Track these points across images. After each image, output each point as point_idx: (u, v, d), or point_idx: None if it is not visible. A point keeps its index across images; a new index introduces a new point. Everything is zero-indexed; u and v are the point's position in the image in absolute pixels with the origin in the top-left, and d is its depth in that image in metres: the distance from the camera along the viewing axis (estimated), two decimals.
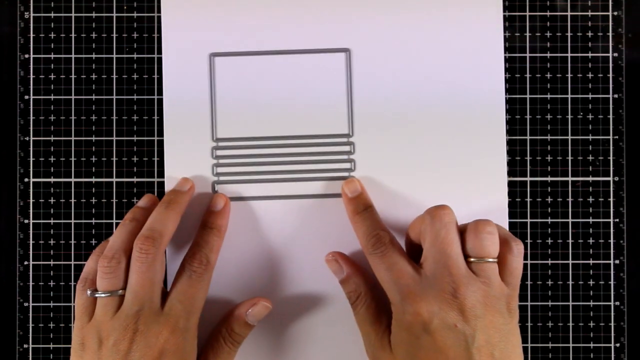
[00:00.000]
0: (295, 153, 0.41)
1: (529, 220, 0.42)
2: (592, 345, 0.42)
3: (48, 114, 0.42)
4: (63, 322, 0.42)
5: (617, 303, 0.42)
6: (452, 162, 0.41)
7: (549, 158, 0.42)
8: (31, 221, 0.42)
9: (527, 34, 0.42)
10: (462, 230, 0.36)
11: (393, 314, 0.35)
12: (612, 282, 0.42)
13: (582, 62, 0.42)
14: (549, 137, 0.42)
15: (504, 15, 0.42)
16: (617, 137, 0.42)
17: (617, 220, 0.42)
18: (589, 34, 0.42)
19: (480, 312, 0.33)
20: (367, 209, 0.39)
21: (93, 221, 0.42)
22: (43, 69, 0.42)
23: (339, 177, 0.41)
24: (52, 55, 0.42)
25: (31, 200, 0.42)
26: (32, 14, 0.42)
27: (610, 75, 0.42)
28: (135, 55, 0.42)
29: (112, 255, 0.37)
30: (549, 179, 0.42)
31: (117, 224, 0.42)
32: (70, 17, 0.42)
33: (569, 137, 0.42)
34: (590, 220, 0.42)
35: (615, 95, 0.42)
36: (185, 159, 0.41)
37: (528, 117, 0.42)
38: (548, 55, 0.42)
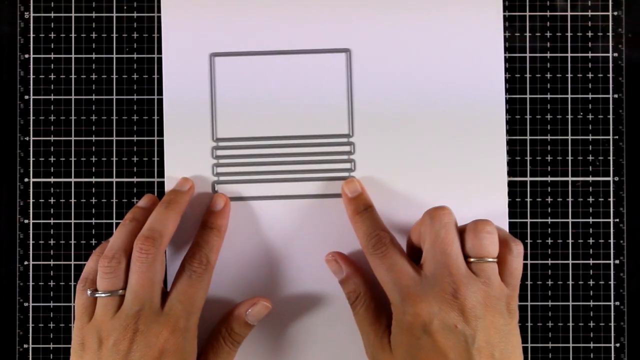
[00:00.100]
0: (295, 153, 0.41)
1: (529, 220, 0.42)
2: (592, 345, 0.42)
3: (48, 114, 0.42)
4: (63, 322, 0.42)
5: (617, 303, 0.42)
6: (452, 162, 0.41)
7: (549, 158, 0.42)
8: (31, 221, 0.42)
9: (527, 34, 0.42)
10: (462, 231, 0.36)
11: (393, 314, 0.35)
12: (612, 282, 0.42)
13: (582, 62, 0.42)
14: (549, 137, 0.42)
15: (504, 15, 0.42)
16: (617, 137, 0.42)
17: (617, 220, 0.42)
18: (589, 34, 0.42)
19: (480, 313, 0.33)
20: (367, 209, 0.39)
21: (93, 221, 0.42)
22: (43, 69, 0.42)
23: (339, 177, 0.41)
24: (52, 55, 0.42)
25: (31, 200, 0.42)
26: (32, 14, 0.42)
27: (610, 75, 0.42)
28: (135, 55, 0.42)
29: (112, 255, 0.37)
30: (549, 179, 0.42)
31: (117, 224, 0.42)
32: (70, 17, 0.42)
33: (569, 137, 0.42)
34: (590, 220, 0.42)
35: (615, 95, 0.42)
36: (185, 159, 0.41)
37: (528, 117, 0.42)
38: (548, 55, 0.42)
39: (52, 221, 0.42)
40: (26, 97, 0.42)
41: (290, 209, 0.41)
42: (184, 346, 0.36)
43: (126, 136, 0.42)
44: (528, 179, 0.42)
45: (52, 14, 0.42)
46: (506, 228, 0.41)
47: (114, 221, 0.42)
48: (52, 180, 0.42)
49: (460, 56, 0.41)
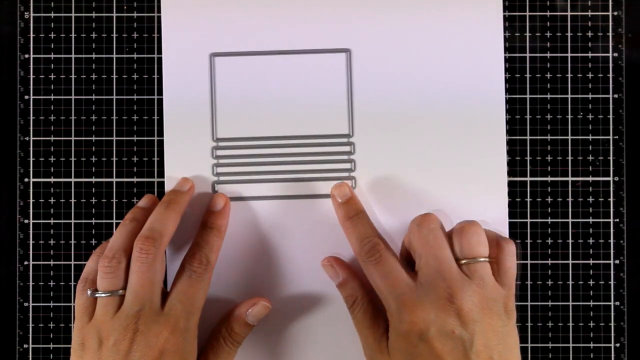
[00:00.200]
0: (295, 153, 0.41)
1: (529, 220, 0.42)
2: (592, 345, 0.42)
3: (48, 114, 0.42)
4: (63, 322, 0.42)
5: (617, 303, 0.42)
6: (452, 162, 0.41)
7: (549, 158, 0.42)
8: (31, 221, 0.42)
9: (527, 34, 0.42)
10: (450, 235, 0.36)
11: (390, 322, 0.35)
12: (612, 282, 0.42)
13: (582, 62, 0.42)
14: (549, 137, 0.42)
15: (504, 15, 0.42)
16: (617, 137, 0.42)
17: (617, 220, 0.42)
18: (589, 34, 0.42)
19: (477, 316, 0.33)
20: (358, 214, 0.39)
21: (93, 221, 0.42)
22: (43, 69, 0.42)
23: (339, 177, 0.41)
24: (52, 55, 0.42)
25: (31, 200, 0.42)
26: (32, 14, 0.42)
27: (610, 75, 0.42)
28: (135, 55, 0.42)
29: (112, 255, 0.37)
30: (549, 179, 0.42)
31: (117, 224, 0.42)
32: (70, 17, 0.42)
33: (569, 137, 0.42)
34: (590, 220, 0.42)
35: (615, 95, 0.42)
36: (185, 159, 0.41)
37: (528, 117, 0.42)
38: (548, 55, 0.42)
39: (52, 221, 0.42)
40: (26, 97, 0.42)
41: (290, 209, 0.41)
42: (184, 346, 0.36)
43: (126, 136, 0.42)
44: (528, 179, 0.42)
45: (52, 14, 0.42)
46: (506, 228, 0.41)
47: (114, 221, 0.42)
48: (52, 180, 0.42)
49: (460, 56, 0.41)
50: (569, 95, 0.42)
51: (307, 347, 0.41)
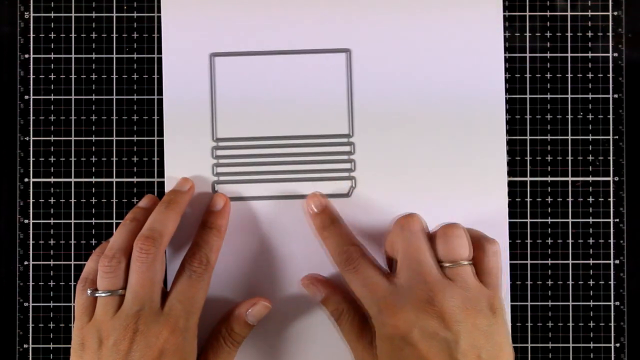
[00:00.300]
0: (295, 153, 0.41)
1: (529, 220, 0.42)
2: (592, 345, 0.42)
3: (48, 114, 0.42)
4: (63, 322, 0.42)
5: (617, 303, 0.42)
6: (452, 162, 0.41)
7: (549, 158, 0.42)
8: (31, 221, 0.42)
9: (527, 34, 0.42)
10: (432, 237, 0.36)
11: (375, 327, 0.35)
12: (612, 282, 0.42)
13: (582, 62, 0.42)
14: (549, 137, 0.42)
15: (504, 15, 0.42)
16: (617, 137, 0.42)
17: (617, 220, 0.42)
18: (589, 34, 0.42)
19: (460, 317, 0.33)
20: (333, 222, 0.39)
21: (93, 221, 0.42)
22: (43, 69, 0.42)
23: (339, 177, 0.41)
24: (52, 55, 0.42)
25: (31, 200, 0.42)
26: (32, 14, 0.42)
27: (610, 75, 0.42)
28: (135, 55, 0.42)
29: (112, 254, 0.37)
30: (549, 179, 0.42)
31: (117, 224, 0.42)
32: (70, 17, 0.42)
33: (569, 137, 0.42)
34: (590, 220, 0.42)
35: (615, 95, 0.42)
36: (185, 159, 0.41)
37: (528, 117, 0.42)
38: (548, 55, 0.42)
39: (52, 221, 0.42)
40: (26, 97, 0.42)
41: (290, 209, 0.41)
42: (184, 346, 0.36)
43: (126, 136, 0.42)
44: (528, 179, 0.42)
45: (52, 14, 0.42)
46: (506, 228, 0.41)
47: (114, 221, 0.42)
48: (52, 180, 0.42)
49: (460, 56, 0.41)
50: (569, 95, 0.42)
51: (307, 347, 0.41)
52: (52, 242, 0.42)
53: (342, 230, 0.39)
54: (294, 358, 0.41)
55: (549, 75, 0.42)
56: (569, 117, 0.42)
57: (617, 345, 0.42)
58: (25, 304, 0.42)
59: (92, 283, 0.37)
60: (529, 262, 0.42)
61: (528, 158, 0.42)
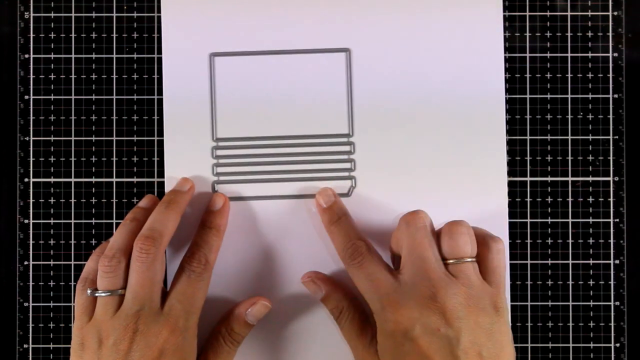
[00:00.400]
0: (295, 153, 0.41)
1: (529, 220, 0.42)
2: (592, 345, 0.42)
3: (48, 114, 0.42)
4: (63, 322, 0.42)
5: (617, 303, 0.42)
6: (452, 162, 0.41)
7: (549, 158, 0.42)
8: (31, 221, 0.42)
9: (527, 34, 0.42)
10: (438, 234, 0.36)
11: (376, 323, 0.35)
12: (612, 282, 0.42)
13: (582, 62, 0.42)
14: (549, 137, 0.42)
15: (504, 15, 0.42)
16: (617, 137, 0.42)
17: (617, 220, 0.42)
18: (589, 34, 0.42)
19: (462, 314, 0.33)
20: (341, 217, 0.39)
21: (93, 221, 0.42)
22: (43, 69, 0.42)
23: (339, 177, 0.41)
24: (52, 55, 0.42)
25: (31, 200, 0.42)
26: (32, 14, 0.42)
27: (610, 75, 0.42)
28: (135, 55, 0.42)
29: (112, 254, 0.37)
30: (549, 179, 0.42)
31: (117, 224, 0.42)
32: (70, 17, 0.42)
33: (569, 137, 0.42)
34: (590, 220, 0.42)
35: (615, 95, 0.42)
36: (185, 159, 0.41)
37: (528, 117, 0.42)
38: (548, 55, 0.42)
39: (52, 221, 0.42)
40: (26, 97, 0.42)
41: (290, 209, 0.41)
42: (184, 346, 0.36)
43: (126, 136, 0.42)
44: (528, 179, 0.42)
45: (52, 14, 0.42)
46: (506, 228, 0.41)
47: (114, 221, 0.42)
48: (52, 180, 0.42)
49: (460, 56, 0.41)
50: (569, 95, 0.42)
51: (307, 346, 0.41)
52: (52, 242, 0.42)
53: (349, 225, 0.39)
54: (293, 358, 0.41)
55: (549, 75, 0.42)
56: (569, 117, 0.42)
57: (617, 345, 0.42)
58: (25, 304, 0.42)
59: (92, 283, 0.37)
60: (529, 262, 0.42)
61: (528, 158, 0.42)
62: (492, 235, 0.36)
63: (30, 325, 0.42)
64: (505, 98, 0.42)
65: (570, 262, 0.42)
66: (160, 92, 0.42)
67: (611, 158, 0.42)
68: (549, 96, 0.42)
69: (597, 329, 0.42)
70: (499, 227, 0.41)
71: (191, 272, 0.37)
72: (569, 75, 0.42)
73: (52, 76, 0.42)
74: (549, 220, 0.42)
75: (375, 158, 0.41)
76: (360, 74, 0.41)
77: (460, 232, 0.35)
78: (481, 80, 0.41)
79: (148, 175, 0.42)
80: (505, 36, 0.42)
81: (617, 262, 0.42)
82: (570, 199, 0.42)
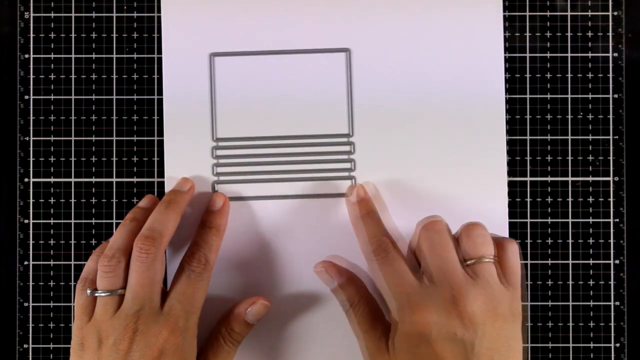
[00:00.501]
0: (295, 153, 0.41)
1: (529, 220, 0.42)
2: (592, 345, 0.42)
3: (48, 114, 0.42)
4: (63, 322, 0.42)
5: (617, 303, 0.42)
6: (452, 162, 0.41)
7: (549, 158, 0.42)
8: (31, 221, 0.42)
9: (527, 34, 0.42)
10: (456, 238, 0.36)
11: (392, 322, 0.35)
12: (612, 282, 0.42)
13: (582, 62, 0.42)
14: (549, 137, 0.42)
15: (504, 15, 0.42)
16: (617, 137, 0.42)
17: (617, 220, 0.42)
18: (589, 34, 0.42)
19: (480, 319, 0.33)
20: (369, 213, 0.39)
21: (93, 221, 0.42)
22: (43, 69, 0.42)
23: (339, 177, 0.41)
24: (52, 55, 0.42)
25: (31, 200, 0.42)
26: (32, 14, 0.42)
27: (610, 75, 0.42)
28: (135, 55, 0.42)
29: (112, 254, 0.37)
30: (549, 179, 0.42)
31: (117, 224, 0.42)
32: (70, 17, 0.42)
33: (569, 137, 0.42)
34: (590, 220, 0.42)
35: (615, 95, 0.42)
36: (185, 159, 0.41)
37: (528, 117, 0.42)
38: (548, 55, 0.42)
39: (52, 221, 0.42)
40: (26, 97, 0.42)
41: (290, 208, 0.41)
42: (184, 346, 0.36)
43: (126, 136, 0.42)
44: (528, 179, 0.42)
45: (52, 14, 0.42)
46: (506, 228, 0.41)
47: (114, 221, 0.42)
48: (52, 180, 0.42)
49: (461, 56, 0.41)
50: (569, 95, 0.42)
51: (307, 346, 0.41)
52: (52, 242, 0.42)
53: (376, 221, 0.38)
54: (293, 358, 0.41)
55: (549, 75, 0.42)
56: (569, 117, 0.42)
57: (617, 345, 0.42)
58: (25, 304, 0.42)
59: (92, 283, 0.37)
60: (529, 262, 0.42)
61: (528, 158, 0.42)
62: (506, 237, 0.37)
63: (30, 325, 0.42)
64: (505, 98, 0.42)
65: (570, 262, 0.42)
66: (160, 92, 0.42)
67: (611, 158, 0.42)
68: (549, 96, 0.42)
69: (597, 329, 0.42)
70: (499, 227, 0.41)
71: (191, 272, 0.37)
72: (569, 75, 0.42)
73: (52, 76, 0.42)
74: (549, 220, 0.42)
75: (375, 158, 0.41)
76: (360, 74, 0.41)
77: (478, 232, 0.35)
78: (481, 80, 0.41)
79: (148, 175, 0.42)
80: (505, 36, 0.42)
81: (617, 262, 0.42)
82: (570, 199, 0.42)
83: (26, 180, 0.42)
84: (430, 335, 0.33)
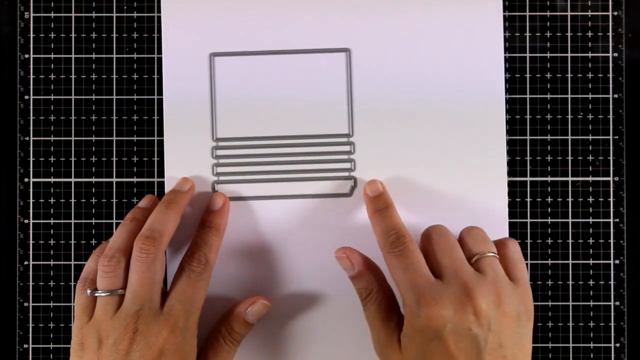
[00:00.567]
0: (295, 153, 0.41)
1: (529, 220, 0.42)
2: (592, 345, 0.42)
3: (48, 114, 0.42)
4: (63, 322, 0.42)
5: (617, 303, 0.42)
6: (452, 162, 0.41)
7: (549, 158, 0.42)
8: (31, 221, 0.42)
9: (527, 34, 0.42)
10: (459, 241, 0.37)
11: (405, 315, 0.35)
12: (612, 282, 0.42)
13: (582, 62, 0.42)
14: (549, 137, 0.42)
15: (504, 15, 0.42)
16: (617, 137, 0.42)
17: (617, 220, 0.42)
18: (589, 34, 0.42)
19: (493, 314, 0.33)
20: (387, 207, 0.39)
21: (93, 221, 0.42)
22: (43, 69, 0.42)
23: (339, 177, 0.41)
24: (52, 55, 0.42)
25: (31, 200, 0.42)
26: (32, 14, 0.42)
27: (610, 75, 0.42)
28: (135, 55, 0.42)
29: (112, 254, 0.37)
30: (549, 179, 0.42)
31: (117, 224, 0.42)
32: (70, 17, 0.42)
33: (569, 137, 0.42)
34: (590, 220, 0.42)
35: (615, 95, 0.42)
36: (185, 159, 0.41)
37: (528, 117, 0.42)
38: (548, 55, 0.42)
39: (52, 221, 0.42)
40: (26, 97, 0.42)
41: (290, 208, 0.41)
42: (184, 346, 0.36)
43: (126, 136, 0.42)
44: (528, 179, 0.42)
45: (52, 14, 0.42)
46: (506, 228, 0.41)
47: (114, 221, 0.42)
48: (52, 180, 0.42)
49: (461, 56, 0.41)
50: (569, 95, 0.42)
51: (307, 346, 0.41)
52: (52, 242, 0.42)
53: (393, 215, 0.39)
54: (293, 357, 0.41)
55: (549, 75, 0.42)
56: (569, 117, 0.42)
57: (617, 345, 0.42)
58: (25, 304, 0.42)
59: (92, 283, 0.37)
60: (529, 262, 0.42)
61: (528, 158, 0.42)
62: (505, 237, 0.38)
63: (30, 325, 0.42)
64: (505, 98, 0.42)
65: (570, 262, 0.42)
66: (160, 92, 0.42)
67: (611, 158, 0.42)
68: (549, 96, 0.42)
69: (597, 329, 0.42)
70: (499, 227, 0.41)
71: (191, 272, 0.37)
72: (569, 75, 0.42)
73: (52, 76, 0.42)
74: (549, 220, 0.42)
75: (375, 158, 0.41)
76: (360, 74, 0.41)
77: (477, 232, 0.37)
78: (481, 80, 0.41)
79: (148, 175, 0.42)
80: (505, 36, 0.42)
81: (617, 262, 0.42)
82: (570, 199, 0.42)
83: (26, 180, 0.42)
84: (445, 330, 0.33)
